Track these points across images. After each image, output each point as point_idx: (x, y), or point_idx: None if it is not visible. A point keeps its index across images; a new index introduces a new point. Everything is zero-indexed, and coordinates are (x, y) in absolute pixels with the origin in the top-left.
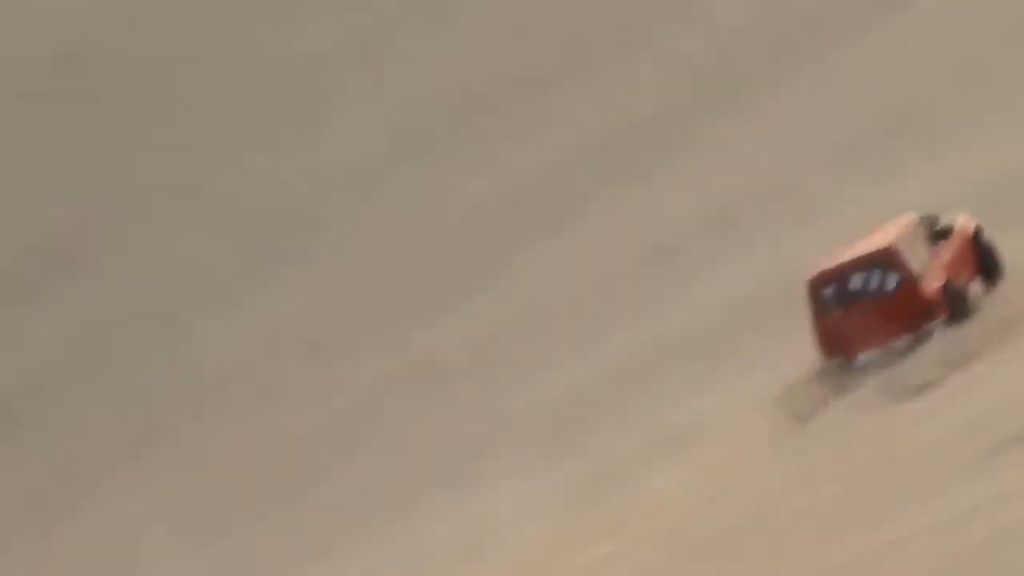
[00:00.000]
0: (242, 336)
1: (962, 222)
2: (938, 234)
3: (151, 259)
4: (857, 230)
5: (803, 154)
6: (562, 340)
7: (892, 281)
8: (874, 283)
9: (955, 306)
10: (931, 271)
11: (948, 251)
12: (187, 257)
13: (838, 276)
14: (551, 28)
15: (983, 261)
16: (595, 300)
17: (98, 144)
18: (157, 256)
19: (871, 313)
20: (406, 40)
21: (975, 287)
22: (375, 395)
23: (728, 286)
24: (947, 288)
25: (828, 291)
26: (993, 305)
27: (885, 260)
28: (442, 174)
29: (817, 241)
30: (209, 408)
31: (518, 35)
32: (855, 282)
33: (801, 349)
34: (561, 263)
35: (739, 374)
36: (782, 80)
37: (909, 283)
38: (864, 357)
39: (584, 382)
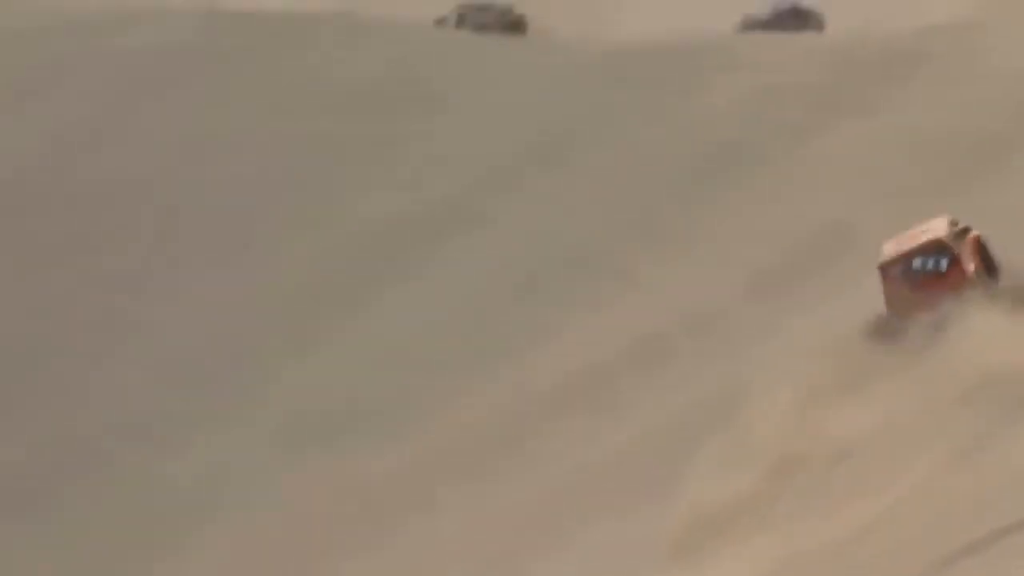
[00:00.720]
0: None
1: (972, 231)
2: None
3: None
4: (780, 358)
5: (725, 282)
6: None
7: (944, 263)
8: (930, 264)
9: (992, 269)
10: (965, 255)
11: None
12: (114, 393)
13: (905, 259)
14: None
15: (985, 260)
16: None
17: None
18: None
19: (929, 286)
20: (325, 178)
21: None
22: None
23: (657, 413)
24: (984, 256)
25: (895, 270)
26: None
27: (937, 247)
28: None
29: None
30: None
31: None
32: (916, 264)
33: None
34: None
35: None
36: (704, 208)
37: (956, 263)
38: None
39: None
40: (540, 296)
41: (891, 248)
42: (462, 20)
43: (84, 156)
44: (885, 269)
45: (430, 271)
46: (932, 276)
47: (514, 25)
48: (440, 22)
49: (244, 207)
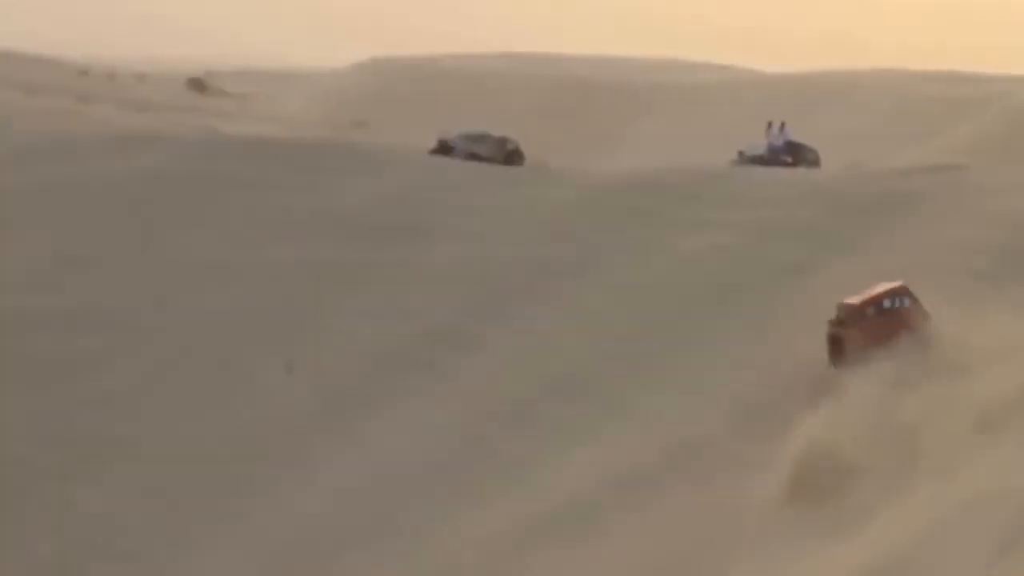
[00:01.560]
0: None
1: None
2: None
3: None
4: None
5: (712, 413)
6: None
7: (907, 301)
8: (898, 303)
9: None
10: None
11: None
12: (100, 515)
13: (877, 301)
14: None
15: None
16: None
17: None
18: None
19: (897, 321)
20: (321, 304)
21: None
22: None
23: (638, 542)
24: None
25: (871, 310)
26: None
27: (902, 291)
28: None
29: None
30: None
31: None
32: (887, 303)
33: None
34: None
35: None
36: (692, 339)
37: (916, 303)
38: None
39: None
40: (528, 424)
41: (856, 300)
42: (457, 148)
43: (79, 278)
44: (862, 309)
45: (420, 397)
46: (899, 312)
47: (511, 156)
48: (436, 151)
49: (239, 332)
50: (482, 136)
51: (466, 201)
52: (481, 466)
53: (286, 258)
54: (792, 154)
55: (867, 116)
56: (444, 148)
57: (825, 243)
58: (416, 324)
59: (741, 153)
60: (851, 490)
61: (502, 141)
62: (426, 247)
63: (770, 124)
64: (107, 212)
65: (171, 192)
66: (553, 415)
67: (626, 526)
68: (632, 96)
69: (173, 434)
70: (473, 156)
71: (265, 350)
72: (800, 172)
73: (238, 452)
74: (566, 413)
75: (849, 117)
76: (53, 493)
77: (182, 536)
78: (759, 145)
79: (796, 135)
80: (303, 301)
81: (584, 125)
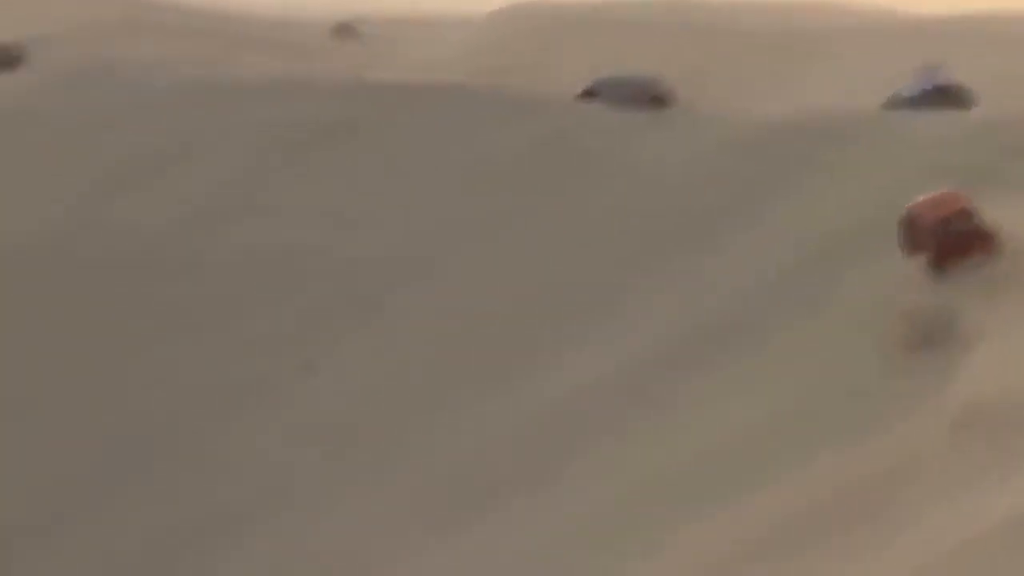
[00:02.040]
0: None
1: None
2: None
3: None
4: None
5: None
6: (618, 544)
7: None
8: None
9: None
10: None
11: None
12: (254, 460)
13: (944, 221)
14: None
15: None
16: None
17: None
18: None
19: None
20: (467, 249)
21: None
22: None
23: (783, 493)
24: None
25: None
26: None
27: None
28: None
29: None
30: None
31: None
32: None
33: None
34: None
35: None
36: (842, 279)
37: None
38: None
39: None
40: (690, 368)
41: (927, 212)
42: (605, 93)
43: (226, 224)
44: (937, 226)
45: (578, 345)
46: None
47: (658, 100)
48: (583, 96)
49: (382, 278)
50: (630, 80)
51: (616, 146)
52: (638, 413)
53: (435, 205)
54: (946, 95)
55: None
56: (593, 92)
57: (983, 182)
58: (568, 271)
59: (894, 95)
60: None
61: (650, 84)
62: (577, 193)
63: (923, 65)
64: (255, 160)
65: (317, 139)
66: (713, 360)
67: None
68: (788, 40)
69: (321, 377)
70: (621, 100)
71: (411, 294)
72: (954, 114)
73: (383, 394)
74: (726, 358)
75: (1005, 59)
76: (206, 438)
77: (334, 479)
78: (912, 87)
79: (951, 76)
80: (452, 244)
81: (736, 69)
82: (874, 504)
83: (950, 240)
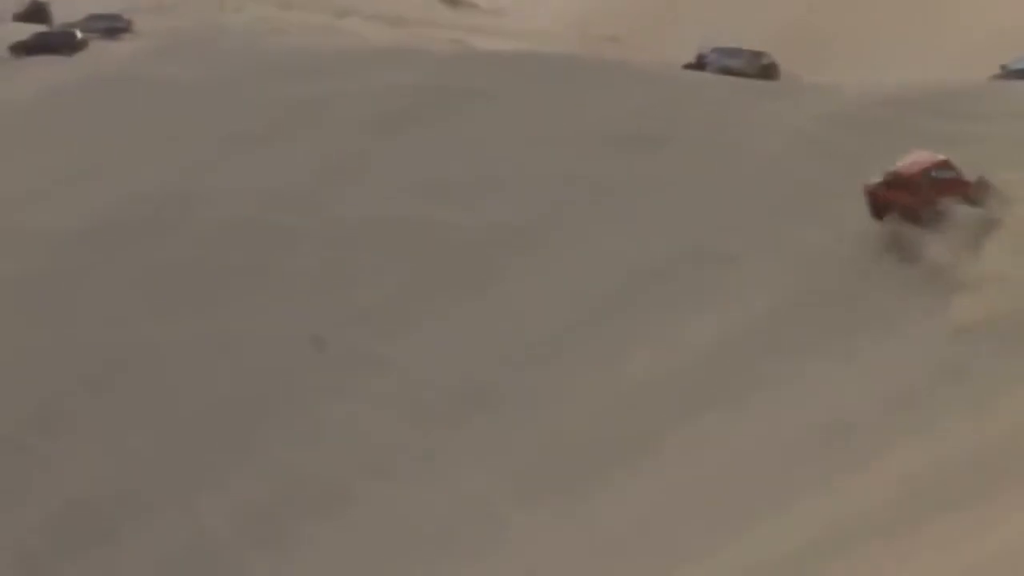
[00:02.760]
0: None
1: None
2: None
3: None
4: None
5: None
6: (723, 516)
7: (952, 173)
8: (944, 174)
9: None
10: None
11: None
12: (355, 430)
13: (925, 170)
14: (726, 203)
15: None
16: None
17: None
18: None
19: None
20: (576, 216)
21: None
22: None
23: (906, 463)
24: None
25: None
26: None
27: (946, 164)
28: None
29: None
30: None
31: (688, 211)
32: (935, 173)
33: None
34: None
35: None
36: None
37: (959, 175)
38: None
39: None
40: (784, 340)
41: (908, 166)
42: (712, 64)
43: (341, 190)
44: (916, 179)
45: (672, 312)
46: (948, 181)
47: (766, 70)
48: (691, 66)
49: (494, 246)
50: (737, 51)
51: (720, 116)
52: (738, 381)
53: (541, 173)
54: None
55: None
56: (699, 63)
57: None
58: (669, 238)
59: (1003, 67)
60: None
61: (757, 55)
62: (680, 161)
63: None
64: (369, 124)
65: (428, 104)
66: (812, 329)
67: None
68: (894, 11)
69: (427, 349)
70: (727, 71)
71: (521, 262)
72: None
73: (488, 368)
74: (826, 328)
75: None
76: (308, 407)
77: (436, 451)
78: (1022, 59)
79: None
80: (560, 212)
81: (840, 40)
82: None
83: (934, 186)
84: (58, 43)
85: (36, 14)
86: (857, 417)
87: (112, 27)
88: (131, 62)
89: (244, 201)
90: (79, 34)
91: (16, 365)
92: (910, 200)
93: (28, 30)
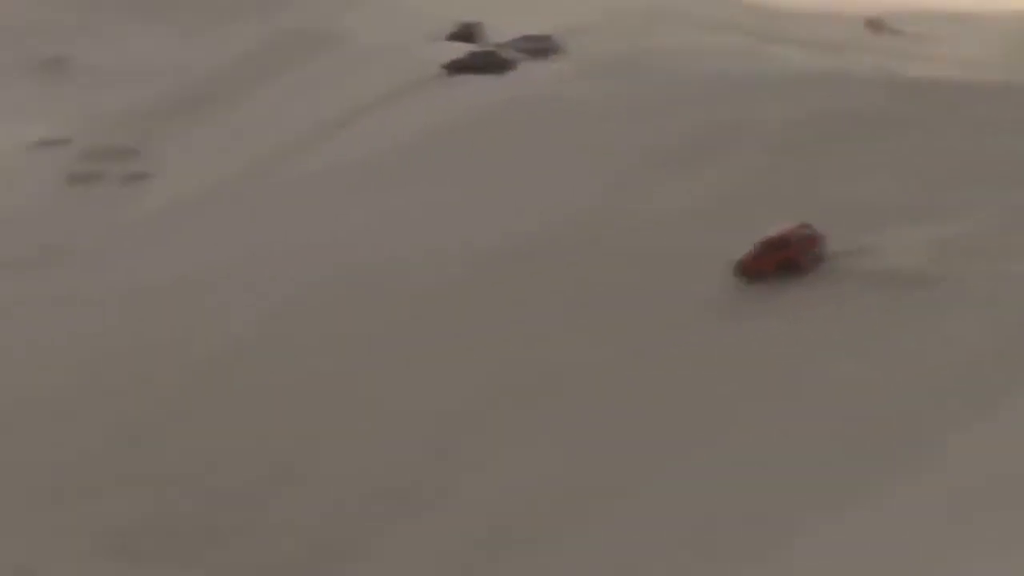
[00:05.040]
0: None
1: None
2: None
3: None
4: None
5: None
6: None
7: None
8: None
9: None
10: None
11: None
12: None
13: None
14: None
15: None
16: None
17: None
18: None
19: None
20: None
21: None
22: None
23: None
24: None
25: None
26: None
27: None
28: None
29: None
30: None
31: None
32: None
33: None
34: None
35: None
36: None
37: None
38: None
39: None
40: None
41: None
42: None
43: (749, 215)
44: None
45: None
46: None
47: None
48: None
49: None
50: None
51: None
52: None
53: (969, 201)
54: None
55: None
56: None
57: None
58: None
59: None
60: None
61: None
62: None
63: None
64: (775, 154)
65: (846, 132)
66: None
67: None
68: None
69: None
70: None
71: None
72: None
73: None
74: None
75: None
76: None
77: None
78: None
79: None
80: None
81: None
82: None
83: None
84: (488, 62)
85: (468, 34)
86: None
87: (542, 47)
88: (557, 83)
89: (659, 226)
90: (509, 54)
91: (440, 370)
92: (788, 254)
93: (461, 49)
